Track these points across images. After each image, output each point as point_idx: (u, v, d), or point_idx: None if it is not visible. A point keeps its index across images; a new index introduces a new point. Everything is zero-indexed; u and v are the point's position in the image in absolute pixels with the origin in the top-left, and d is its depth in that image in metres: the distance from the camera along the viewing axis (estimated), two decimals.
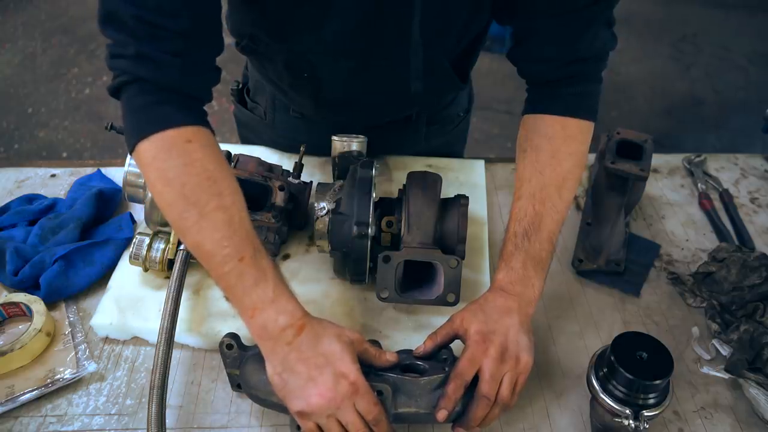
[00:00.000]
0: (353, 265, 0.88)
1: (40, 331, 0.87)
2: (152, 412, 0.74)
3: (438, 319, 0.85)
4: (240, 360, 0.77)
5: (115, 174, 1.18)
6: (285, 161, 1.15)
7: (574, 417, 0.84)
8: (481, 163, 1.22)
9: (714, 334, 0.94)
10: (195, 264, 0.88)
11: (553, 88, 0.89)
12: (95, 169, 1.20)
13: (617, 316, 0.97)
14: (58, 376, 0.84)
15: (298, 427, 0.72)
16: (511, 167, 1.25)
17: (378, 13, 0.83)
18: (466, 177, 1.18)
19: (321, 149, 1.08)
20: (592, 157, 1.21)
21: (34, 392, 0.82)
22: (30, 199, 1.11)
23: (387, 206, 0.93)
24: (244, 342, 0.79)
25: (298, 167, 1.02)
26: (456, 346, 0.79)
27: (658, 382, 0.71)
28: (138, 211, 1.08)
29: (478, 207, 1.09)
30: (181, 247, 0.89)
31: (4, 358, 0.84)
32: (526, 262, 0.80)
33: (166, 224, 0.91)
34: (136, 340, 0.91)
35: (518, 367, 0.74)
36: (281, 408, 0.73)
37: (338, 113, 1.08)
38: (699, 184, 1.23)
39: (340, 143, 1.03)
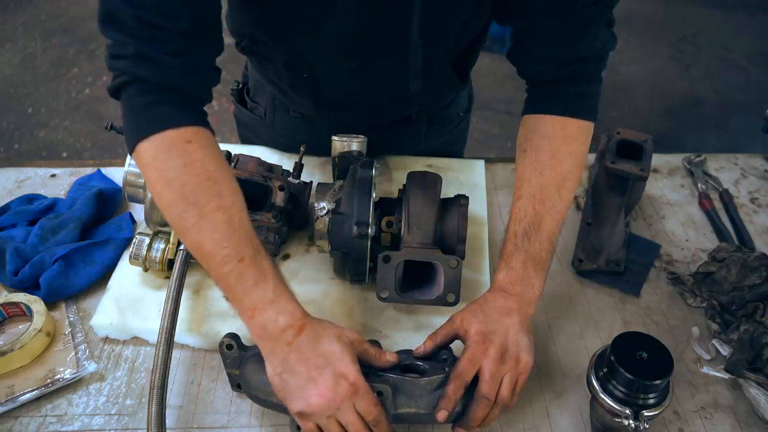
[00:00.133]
0: (353, 265, 0.88)
1: (40, 331, 0.87)
2: (152, 412, 0.74)
3: (438, 319, 0.84)
4: (240, 360, 0.77)
5: (115, 174, 1.18)
6: (285, 161, 1.15)
7: (574, 417, 0.84)
8: (481, 163, 1.22)
9: (714, 334, 0.94)
10: (195, 264, 0.88)
11: (553, 88, 0.89)
12: (95, 169, 1.20)
13: (617, 316, 0.97)
14: (58, 376, 0.84)
15: (298, 428, 0.72)
16: (511, 167, 1.25)
17: (379, 12, 0.83)
18: (466, 177, 1.18)
19: (321, 149, 1.08)
20: (592, 157, 1.21)
21: (34, 392, 0.82)
22: (30, 199, 1.11)
23: (387, 206, 0.93)
24: (244, 342, 0.79)
25: (298, 167, 1.02)
26: (456, 346, 0.79)
27: (658, 382, 0.71)
28: (138, 211, 1.08)
29: (478, 207, 1.09)
30: (181, 247, 0.89)
31: (4, 358, 0.84)
32: (526, 262, 0.80)
33: (166, 224, 0.91)
34: (136, 340, 0.91)
35: (518, 367, 0.74)
36: (281, 408, 0.73)
37: (338, 113, 1.08)
38: (699, 184, 1.23)
39: (340, 143, 1.03)
